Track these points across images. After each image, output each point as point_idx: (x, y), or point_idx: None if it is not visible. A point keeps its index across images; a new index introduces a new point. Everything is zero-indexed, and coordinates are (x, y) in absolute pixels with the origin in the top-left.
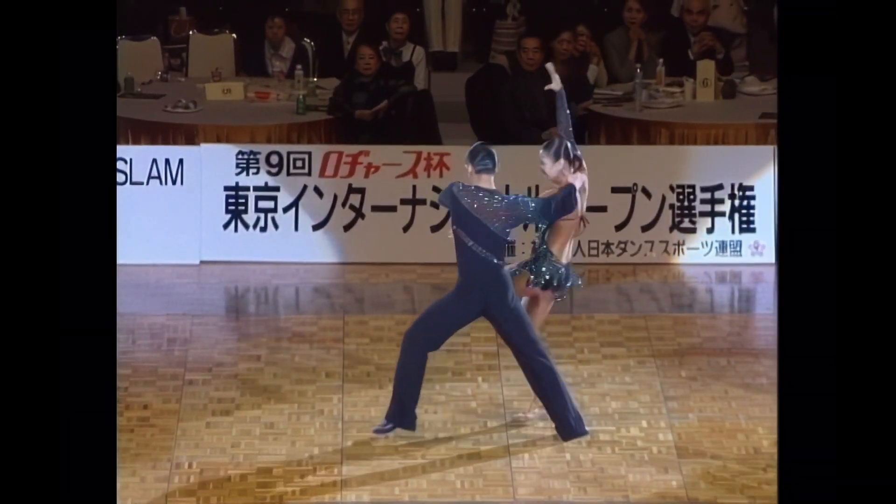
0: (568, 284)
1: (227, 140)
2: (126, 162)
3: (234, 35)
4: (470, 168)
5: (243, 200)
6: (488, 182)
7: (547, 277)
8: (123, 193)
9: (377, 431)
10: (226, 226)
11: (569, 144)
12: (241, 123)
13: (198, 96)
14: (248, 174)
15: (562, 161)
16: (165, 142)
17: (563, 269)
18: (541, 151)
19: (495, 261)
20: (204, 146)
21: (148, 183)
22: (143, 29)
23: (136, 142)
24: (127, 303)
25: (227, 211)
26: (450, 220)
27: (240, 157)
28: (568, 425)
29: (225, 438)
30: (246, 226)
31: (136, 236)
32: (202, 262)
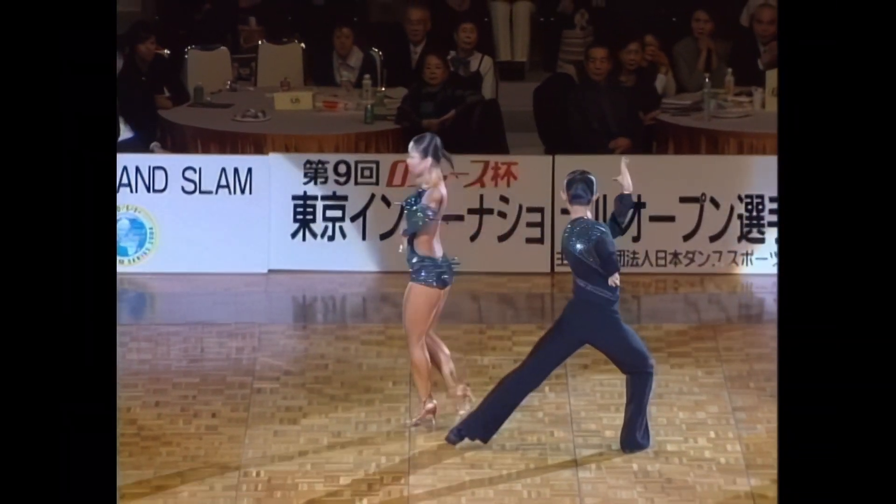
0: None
1: (296, 149)
2: (195, 171)
3: (303, 45)
4: (564, 196)
5: (311, 209)
6: (582, 212)
7: (435, 275)
8: (192, 202)
9: (450, 440)
10: (294, 235)
11: (438, 143)
12: (309, 133)
13: (267, 106)
14: (315, 183)
15: (429, 159)
16: (234, 151)
17: (443, 263)
18: (411, 144)
19: (605, 294)
20: (272, 155)
21: (217, 192)
22: (213, 39)
23: (206, 151)
24: (195, 311)
25: (295, 220)
26: (516, 229)
27: (308, 166)
28: (632, 437)
29: (292, 447)
30: (314, 235)
31: (205, 245)
32: (270, 271)
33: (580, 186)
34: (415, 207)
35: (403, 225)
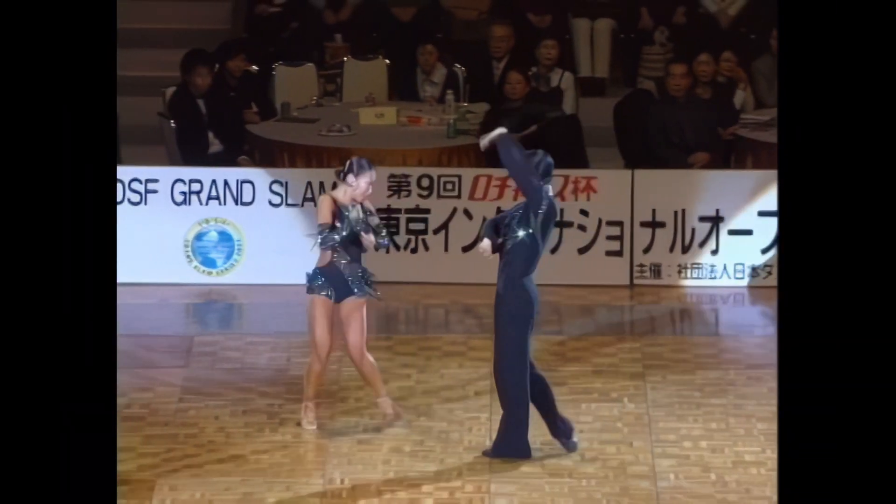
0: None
1: (380, 163)
2: (282, 184)
3: (388, 61)
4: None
5: (395, 222)
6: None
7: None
8: (280, 215)
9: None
10: (377, 247)
11: (355, 164)
12: (393, 147)
13: (352, 120)
14: (399, 197)
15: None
16: (320, 165)
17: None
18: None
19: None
20: None
21: (303, 205)
22: (300, 55)
23: (292, 165)
24: (282, 322)
25: None
26: (596, 242)
27: (391, 179)
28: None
29: (376, 455)
30: (397, 247)
31: (291, 256)
32: None
33: (547, 161)
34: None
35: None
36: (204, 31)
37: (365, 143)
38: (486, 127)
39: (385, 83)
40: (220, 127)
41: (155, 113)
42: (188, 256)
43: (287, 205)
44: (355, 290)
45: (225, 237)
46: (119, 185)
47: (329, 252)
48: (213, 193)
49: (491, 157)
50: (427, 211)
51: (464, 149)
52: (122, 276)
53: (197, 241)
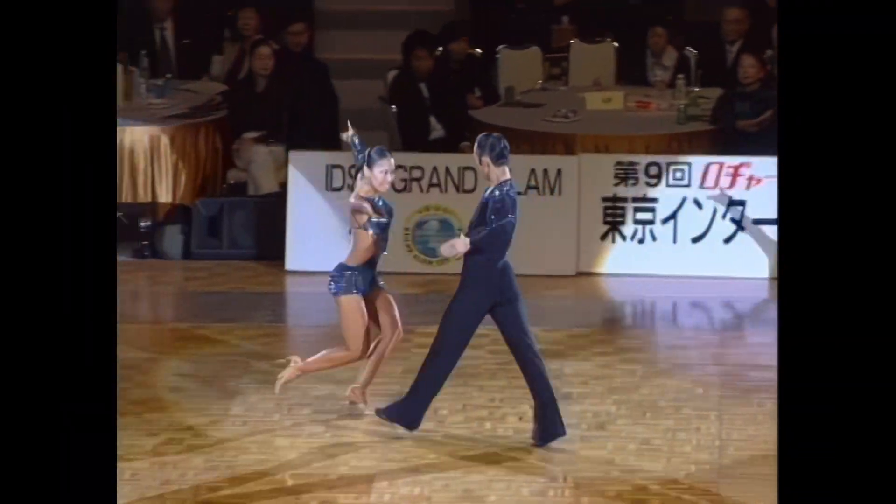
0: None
1: (606, 150)
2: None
3: (616, 44)
4: (486, 158)
5: (621, 211)
6: (507, 174)
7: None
8: None
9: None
10: (603, 237)
11: (370, 154)
12: (620, 133)
13: (578, 105)
14: (626, 185)
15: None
16: (544, 151)
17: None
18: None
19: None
20: (582, 156)
21: (526, 192)
22: (525, 38)
23: (515, 151)
24: None
25: (605, 222)
26: None
27: (618, 167)
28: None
29: (600, 453)
30: (623, 237)
31: (513, 246)
32: (579, 273)
33: (501, 145)
34: None
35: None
36: (427, 12)
37: (591, 128)
38: (719, 112)
39: (613, 67)
40: (442, 112)
41: (376, 97)
42: (407, 245)
43: None
44: (380, 283)
45: (447, 226)
46: (339, 171)
47: (373, 246)
48: (434, 180)
49: (724, 144)
50: (655, 200)
51: (695, 135)
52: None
53: (417, 230)
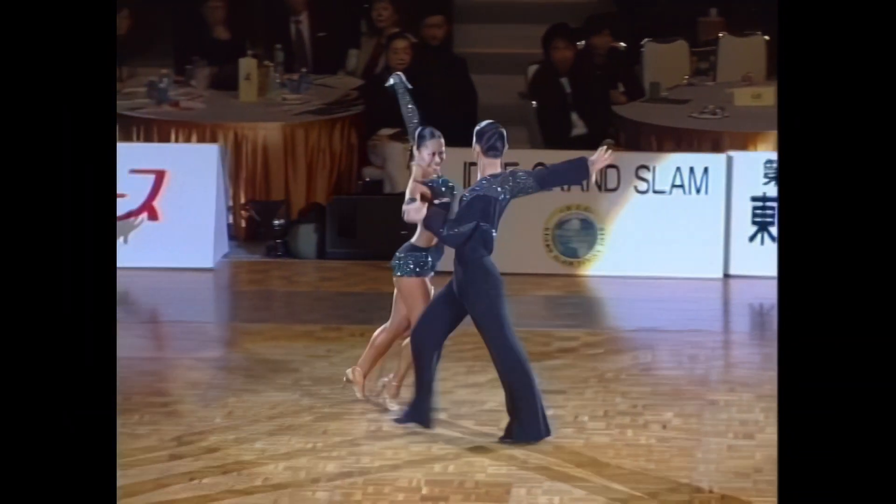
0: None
1: (755, 148)
2: (649, 169)
3: (767, 37)
4: (477, 148)
5: (770, 212)
6: (497, 167)
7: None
8: (644, 202)
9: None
10: (752, 238)
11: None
12: (770, 130)
13: (726, 102)
14: (776, 184)
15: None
16: (690, 149)
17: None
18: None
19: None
20: (731, 154)
21: (671, 192)
22: (671, 31)
23: (661, 149)
24: (647, 316)
25: (754, 223)
26: None
27: (768, 165)
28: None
29: (748, 463)
30: (773, 238)
31: (657, 247)
32: (727, 276)
33: (496, 138)
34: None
35: None
36: (569, 4)
37: (740, 125)
38: None
39: (764, 61)
40: (584, 107)
41: (515, 92)
42: (547, 245)
43: (654, 192)
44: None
45: (587, 225)
46: (476, 169)
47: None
48: None
49: None
50: None
51: None
52: None
53: (558, 230)
